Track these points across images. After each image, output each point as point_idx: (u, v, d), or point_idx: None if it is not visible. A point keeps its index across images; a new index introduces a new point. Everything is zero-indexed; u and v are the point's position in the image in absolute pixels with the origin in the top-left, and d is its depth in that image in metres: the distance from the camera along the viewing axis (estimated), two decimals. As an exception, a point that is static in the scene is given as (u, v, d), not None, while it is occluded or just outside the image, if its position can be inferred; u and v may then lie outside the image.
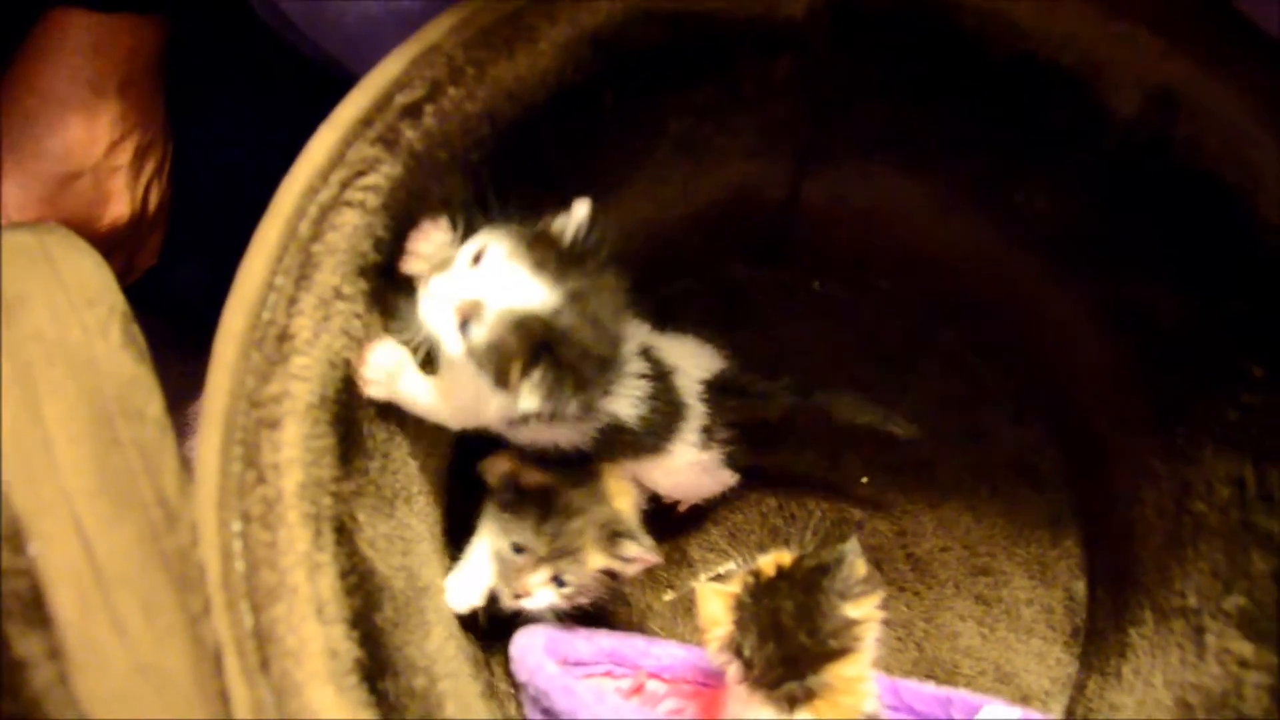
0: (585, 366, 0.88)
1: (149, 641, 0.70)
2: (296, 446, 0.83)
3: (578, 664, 1.19)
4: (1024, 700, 1.36)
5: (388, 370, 0.94)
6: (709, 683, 1.23)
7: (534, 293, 0.86)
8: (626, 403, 1.11)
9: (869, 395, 1.38)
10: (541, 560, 1.08)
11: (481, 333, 0.87)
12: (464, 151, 0.95)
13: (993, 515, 1.43)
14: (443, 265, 0.90)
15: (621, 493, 1.16)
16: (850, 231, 1.38)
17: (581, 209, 0.89)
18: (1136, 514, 1.23)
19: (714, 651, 0.98)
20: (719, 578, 1.43)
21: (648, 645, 1.23)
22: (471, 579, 1.12)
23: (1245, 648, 0.98)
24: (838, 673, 0.93)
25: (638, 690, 1.20)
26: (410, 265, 0.95)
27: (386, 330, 0.96)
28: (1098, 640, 1.32)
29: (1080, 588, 1.39)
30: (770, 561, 0.99)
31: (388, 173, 0.89)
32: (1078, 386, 1.34)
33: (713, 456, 1.26)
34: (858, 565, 0.97)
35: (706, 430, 1.23)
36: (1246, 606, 1.00)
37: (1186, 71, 0.93)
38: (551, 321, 0.86)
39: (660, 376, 1.16)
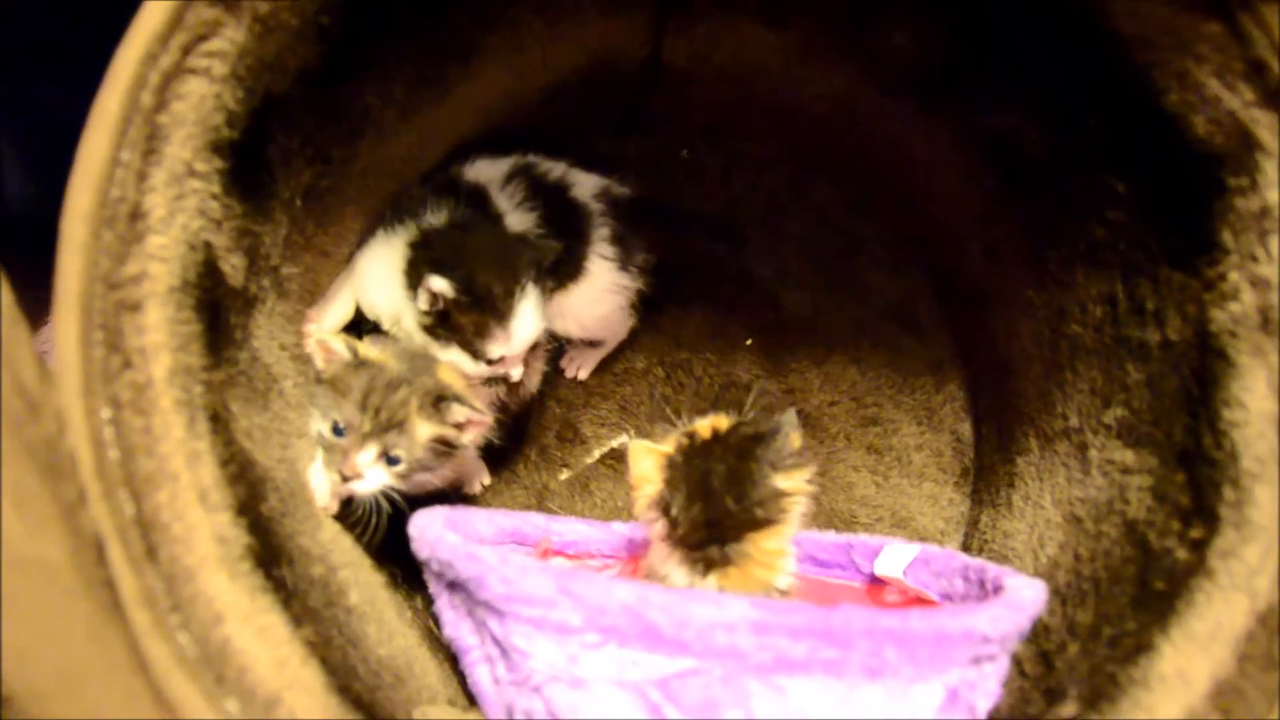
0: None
1: (22, 534, 0.65)
2: (162, 331, 0.78)
3: (479, 543, 1.17)
4: (921, 541, 1.38)
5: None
6: (615, 555, 1.23)
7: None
8: (515, 218, 1.18)
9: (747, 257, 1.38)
10: (366, 436, 1.03)
11: None
12: (314, 14, 0.88)
13: (877, 366, 1.44)
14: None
15: (449, 371, 1.13)
16: (714, 92, 1.35)
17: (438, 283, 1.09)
18: (1016, 349, 1.24)
19: (641, 509, 0.97)
20: (613, 452, 1.42)
21: (548, 522, 1.21)
22: (320, 475, 1.07)
23: (1126, 455, 1.00)
24: (758, 543, 0.93)
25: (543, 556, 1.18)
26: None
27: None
28: (987, 476, 1.35)
29: (966, 429, 1.42)
30: (706, 425, 0.98)
31: (232, 38, 0.81)
32: (949, 228, 1.34)
33: (630, 284, 1.29)
34: (793, 437, 0.96)
35: (620, 241, 1.26)
36: (1124, 416, 1.02)
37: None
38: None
39: (547, 187, 1.22)
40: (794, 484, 0.95)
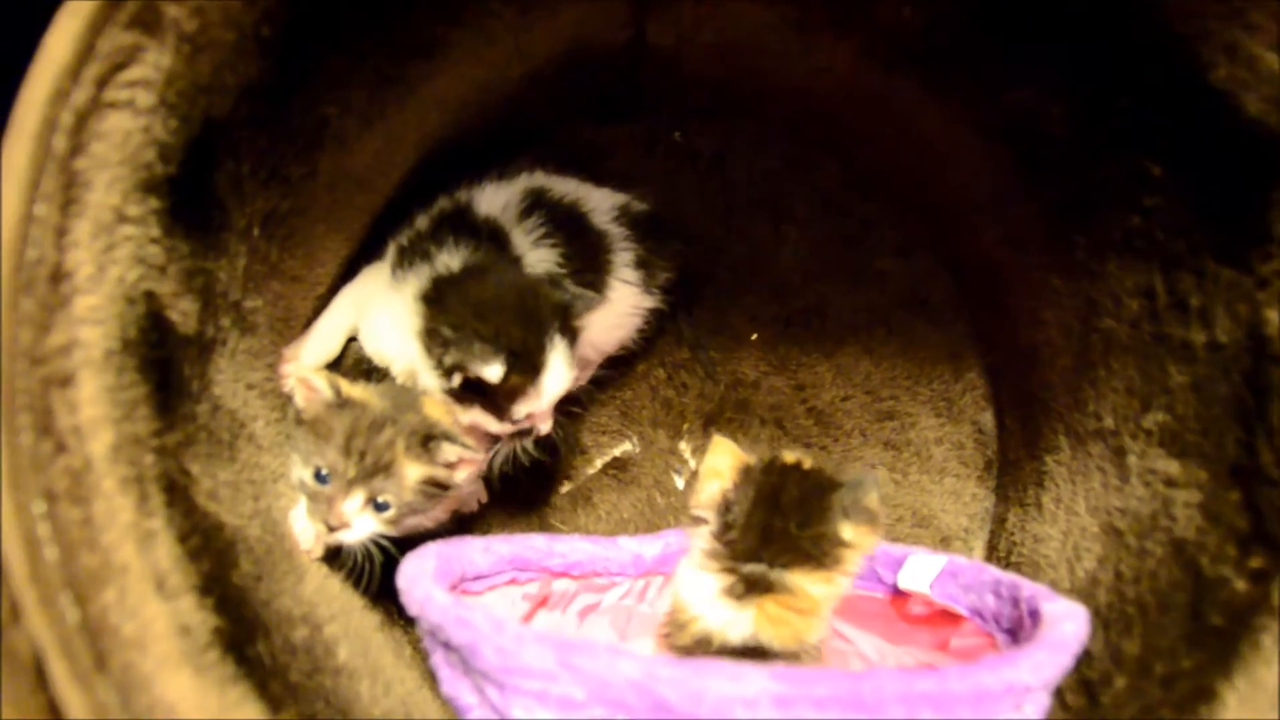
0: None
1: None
2: (100, 403, 0.70)
3: (477, 578, 1.09)
4: (944, 541, 1.32)
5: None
6: (623, 573, 1.16)
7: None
8: (537, 254, 1.10)
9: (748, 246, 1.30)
10: (351, 482, 0.95)
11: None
12: (252, 27, 0.79)
13: (891, 356, 1.36)
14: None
15: (435, 405, 1.04)
16: (705, 71, 1.26)
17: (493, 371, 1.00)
18: (1040, 337, 1.16)
19: (699, 500, 0.97)
20: (616, 461, 1.34)
21: (550, 544, 1.14)
22: (302, 520, 1.00)
23: (1170, 465, 0.93)
24: (804, 584, 0.90)
25: (542, 602, 1.11)
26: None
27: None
28: (1012, 471, 1.28)
29: (988, 419, 1.34)
30: (793, 456, 0.96)
31: (156, 62, 0.72)
32: (964, 210, 1.26)
33: (651, 305, 1.24)
34: (873, 498, 0.94)
35: (642, 265, 1.19)
36: (1167, 422, 0.94)
37: None
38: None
39: (564, 215, 1.14)
40: (858, 539, 0.93)
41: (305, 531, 0.98)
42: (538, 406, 1.07)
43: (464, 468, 1.01)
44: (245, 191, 0.89)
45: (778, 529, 0.91)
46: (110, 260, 0.71)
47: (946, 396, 1.35)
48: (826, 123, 1.30)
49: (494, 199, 1.15)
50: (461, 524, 1.24)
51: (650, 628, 1.13)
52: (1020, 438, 1.26)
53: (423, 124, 1.09)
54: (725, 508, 0.94)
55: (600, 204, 1.19)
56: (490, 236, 1.10)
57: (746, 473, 0.95)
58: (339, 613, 0.96)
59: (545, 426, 1.10)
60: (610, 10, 1.12)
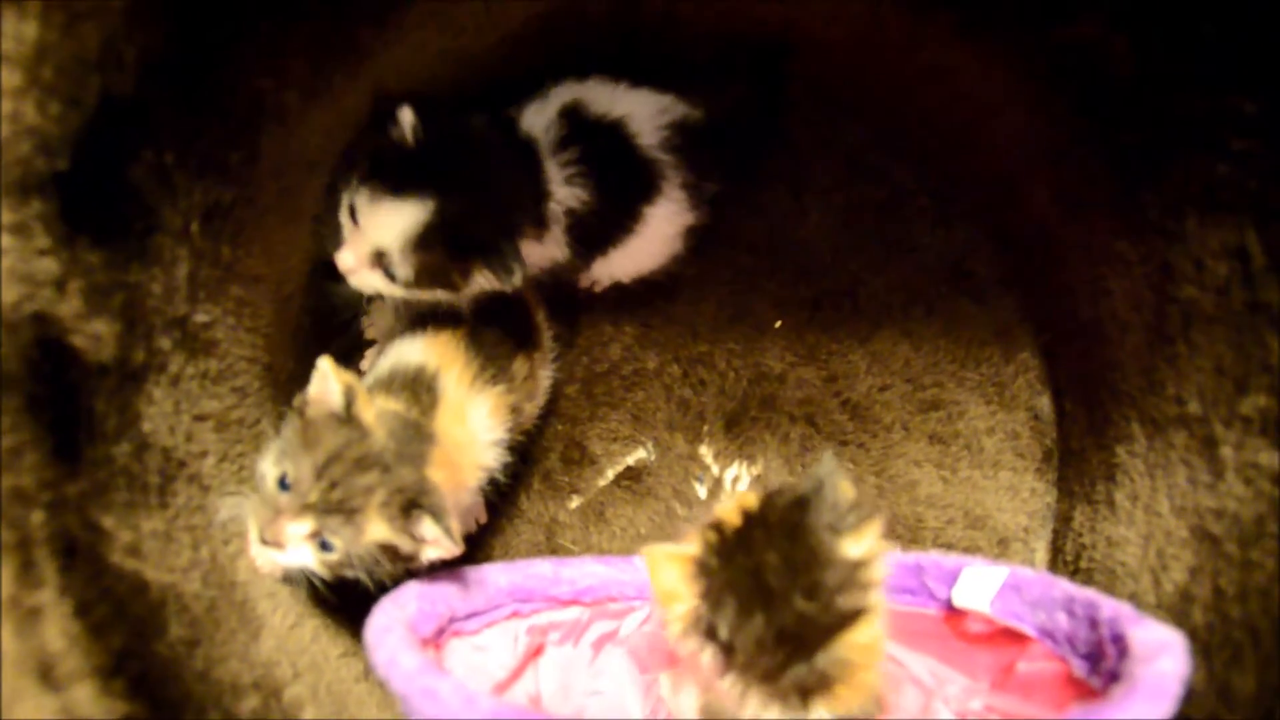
0: (498, 231, 0.93)
1: None
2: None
3: (470, 615, 0.97)
4: (1002, 544, 1.18)
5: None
6: (640, 596, 1.05)
7: (412, 210, 0.90)
8: (568, 191, 1.02)
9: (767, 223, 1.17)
10: (305, 509, 0.82)
11: (404, 269, 0.93)
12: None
13: (932, 339, 1.23)
14: (335, 240, 0.94)
15: (444, 465, 0.91)
16: (706, 26, 1.11)
17: (407, 115, 0.91)
18: (1105, 310, 1.03)
19: (678, 636, 0.75)
20: (630, 470, 1.21)
21: (556, 569, 1.03)
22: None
23: (1275, 459, 0.78)
24: (855, 643, 0.71)
25: (537, 652, 0.98)
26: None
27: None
28: (1076, 463, 1.14)
29: (1045, 404, 1.21)
30: (732, 508, 0.76)
31: (17, 33, 0.60)
32: (1010, 170, 1.12)
33: (692, 220, 1.14)
34: (841, 487, 0.75)
35: (689, 186, 1.10)
36: (1269, 408, 0.80)
37: None
38: (442, 222, 0.91)
39: (602, 137, 1.05)
40: (867, 544, 0.73)
41: (262, 554, 0.86)
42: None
43: (435, 549, 0.87)
44: (175, 184, 0.76)
45: (792, 620, 0.71)
46: (-20, 278, 0.59)
47: (997, 381, 1.21)
48: (848, 77, 1.17)
49: (535, 119, 1.05)
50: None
51: (675, 658, 1.01)
52: (1085, 425, 1.12)
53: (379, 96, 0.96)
54: (709, 632, 0.73)
55: (647, 119, 1.07)
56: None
57: (706, 574, 0.74)
58: (306, 669, 0.84)
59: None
60: (594, -40, 0.99)
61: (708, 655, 0.73)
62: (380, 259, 0.93)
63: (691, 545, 0.75)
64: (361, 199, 0.92)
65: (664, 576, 0.75)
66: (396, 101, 0.91)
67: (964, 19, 0.99)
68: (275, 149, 0.86)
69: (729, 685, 0.73)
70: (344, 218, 0.94)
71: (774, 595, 0.70)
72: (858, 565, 0.72)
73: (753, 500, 0.75)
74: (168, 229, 0.77)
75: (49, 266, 0.64)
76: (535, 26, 1.02)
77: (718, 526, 0.75)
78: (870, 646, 0.72)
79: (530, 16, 1.00)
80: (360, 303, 1.15)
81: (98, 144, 0.67)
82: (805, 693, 0.71)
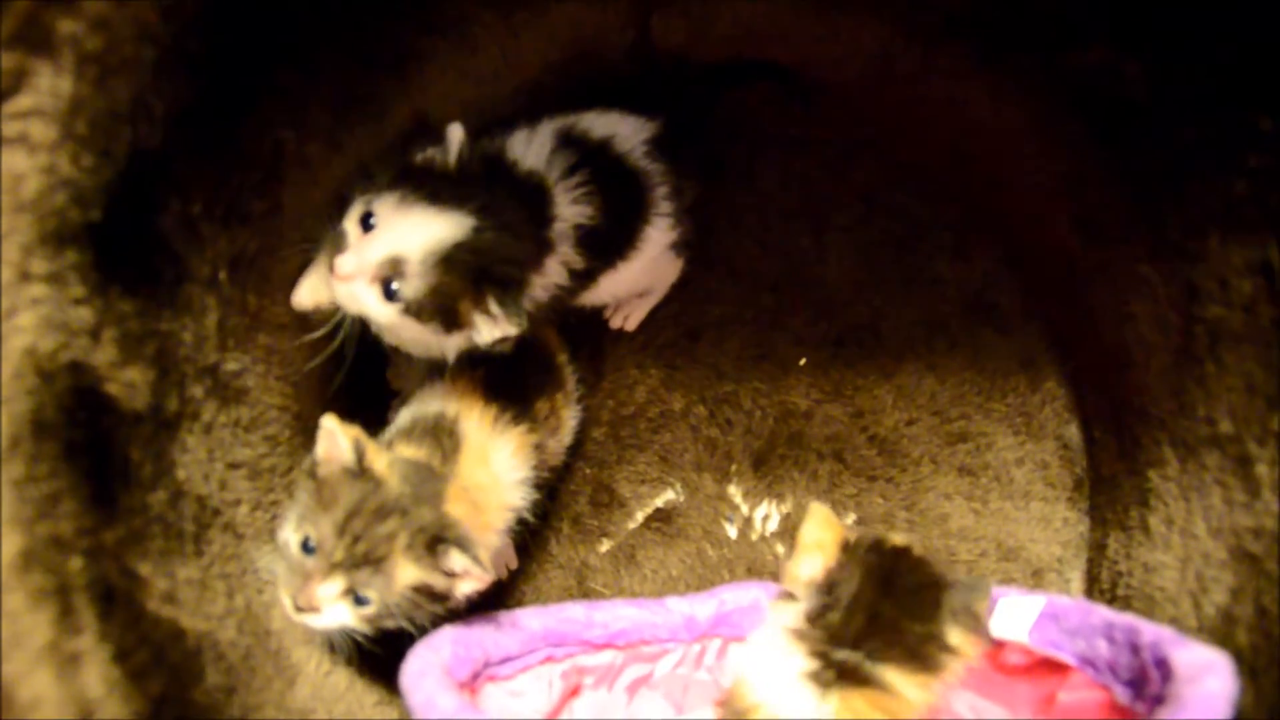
0: (521, 269, 0.90)
1: None
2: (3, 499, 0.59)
3: (505, 660, 0.96)
4: (1036, 575, 1.17)
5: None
6: (675, 638, 1.04)
7: (448, 223, 0.85)
8: (575, 210, 0.99)
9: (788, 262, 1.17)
10: (334, 567, 0.83)
11: (415, 285, 0.85)
12: (173, 41, 0.67)
13: (957, 371, 1.22)
14: (337, 247, 0.86)
15: (460, 499, 0.91)
16: (719, 62, 1.13)
17: (457, 132, 0.87)
18: (1129, 335, 1.02)
19: (793, 576, 0.90)
20: (659, 512, 1.20)
21: (589, 613, 1.02)
22: None
23: (1313, 474, 0.77)
24: (900, 682, 0.83)
25: (574, 693, 0.97)
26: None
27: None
28: (1108, 490, 1.13)
29: (1073, 433, 1.20)
30: (902, 538, 0.92)
31: (53, 89, 0.61)
32: (1028, 197, 1.12)
33: (681, 231, 1.15)
34: (983, 604, 0.88)
35: (673, 195, 1.10)
36: (1304, 422, 0.79)
37: None
38: (477, 244, 0.86)
39: (600, 156, 1.04)
40: (963, 644, 0.86)
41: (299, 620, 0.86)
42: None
43: (468, 581, 0.87)
44: (202, 233, 0.78)
45: (886, 618, 0.85)
46: (12, 329, 0.59)
47: (1024, 411, 1.21)
48: (861, 112, 1.17)
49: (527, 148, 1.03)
50: (488, 595, 1.11)
51: (709, 696, 1.01)
52: (1114, 451, 1.11)
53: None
54: (828, 586, 0.87)
55: (630, 138, 1.08)
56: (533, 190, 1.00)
57: (851, 550, 0.89)
58: (341, 716, 0.83)
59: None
60: (609, 10, 1.01)
61: (808, 601, 0.88)
62: (390, 270, 0.85)
63: (851, 530, 0.92)
64: (386, 204, 0.86)
65: (820, 531, 0.91)
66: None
67: (974, 50, 1.00)
68: (297, 198, 0.88)
69: (788, 639, 0.86)
70: (351, 224, 0.87)
71: (889, 596, 0.86)
72: (948, 648, 0.85)
73: (918, 546, 0.91)
74: (196, 278, 0.79)
75: (84, 315, 0.65)
76: (553, 73, 1.04)
77: (884, 537, 0.91)
78: (906, 700, 0.82)
79: (548, 64, 1.02)
80: (387, 353, 1.15)
81: (128, 195, 0.68)
82: (841, 674, 0.83)
